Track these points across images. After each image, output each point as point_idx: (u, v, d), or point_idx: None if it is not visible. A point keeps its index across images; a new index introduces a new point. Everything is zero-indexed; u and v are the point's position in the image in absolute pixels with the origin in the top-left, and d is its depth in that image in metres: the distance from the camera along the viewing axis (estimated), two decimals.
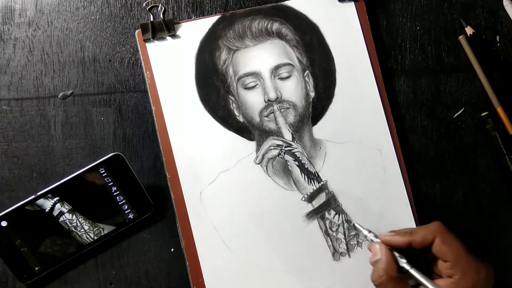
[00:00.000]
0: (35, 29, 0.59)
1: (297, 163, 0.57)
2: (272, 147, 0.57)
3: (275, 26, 0.59)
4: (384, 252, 0.48)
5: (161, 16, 0.59)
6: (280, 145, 0.58)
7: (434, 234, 0.47)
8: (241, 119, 0.58)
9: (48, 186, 0.54)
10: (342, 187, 0.57)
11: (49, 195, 0.54)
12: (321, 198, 0.57)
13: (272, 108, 0.58)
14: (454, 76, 0.61)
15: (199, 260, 0.55)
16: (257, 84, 0.58)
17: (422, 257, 0.49)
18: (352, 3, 0.60)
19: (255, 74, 0.58)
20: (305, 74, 0.59)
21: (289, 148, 0.58)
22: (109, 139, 0.58)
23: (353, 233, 0.57)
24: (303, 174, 0.57)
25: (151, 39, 0.57)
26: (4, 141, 0.58)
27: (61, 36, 0.59)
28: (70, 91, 0.58)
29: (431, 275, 0.49)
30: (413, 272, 0.47)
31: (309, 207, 0.57)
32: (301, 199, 0.57)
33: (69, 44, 0.59)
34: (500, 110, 0.60)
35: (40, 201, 0.54)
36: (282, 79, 0.58)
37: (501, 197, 0.60)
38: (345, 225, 0.57)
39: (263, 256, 0.56)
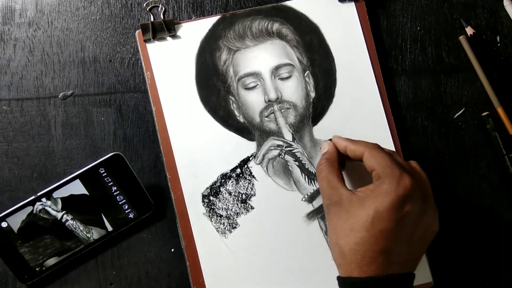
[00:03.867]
0: (35, 29, 0.59)
1: (297, 163, 0.57)
2: (272, 148, 0.57)
3: (276, 26, 0.59)
4: (331, 146, 0.51)
5: (162, 16, 0.59)
6: (281, 145, 0.58)
7: (363, 149, 0.48)
8: (241, 119, 0.58)
9: (48, 187, 0.54)
10: None
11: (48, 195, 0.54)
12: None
13: (272, 108, 0.58)
14: (454, 76, 0.61)
15: (199, 260, 0.56)
16: (258, 84, 0.58)
17: None
18: (353, 4, 0.60)
19: (256, 75, 0.58)
20: (306, 74, 0.59)
21: (289, 149, 0.58)
22: (109, 139, 0.58)
23: None
24: (303, 175, 0.57)
25: (152, 39, 0.57)
26: (5, 142, 0.58)
27: (62, 37, 0.59)
28: (70, 91, 0.58)
29: None
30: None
31: (309, 208, 0.57)
32: (302, 200, 0.57)
33: (69, 45, 0.59)
34: (500, 111, 0.60)
35: (41, 202, 0.54)
36: (282, 79, 0.58)
37: (501, 198, 0.60)
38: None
39: (263, 256, 0.56)
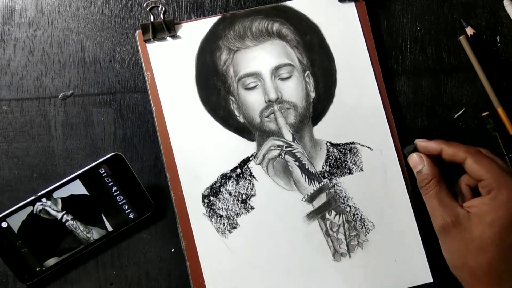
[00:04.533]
0: (35, 30, 0.59)
1: (297, 163, 0.57)
2: (272, 148, 0.57)
3: (276, 26, 0.59)
4: (425, 158, 0.49)
5: (162, 16, 0.59)
6: (281, 145, 0.58)
7: (465, 154, 0.46)
8: (241, 119, 0.58)
9: (48, 187, 0.54)
10: (342, 187, 0.57)
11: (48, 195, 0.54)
12: (322, 199, 0.57)
13: (272, 108, 0.58)
14: (454, 76, 0.61)
15: (199, 261, 0.56)
16: (258, 84, 0.58)
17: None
18: (353, 4, 0.60)
19: (256, 75, 0.58)
20: (306, 74, 0.59)
21: (289, 149, 0.58)
22: (109, 140, 0.58)
23: (354, 233, 0.57)
24: (303, 175, 0.57)
25: (152, 39, 0.57)
26: (5, 142, 0.58)
27: (62, 37, 0.59)
28: (70, 92, 0.58)
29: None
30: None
31: (309, 208, 0.57)
32: (302, 200, 0.57)
33: (69, 45, 0.59)
34: (500, 111, 0.60)
35: (41, 202, 0.54)
36: (282, 79, 0.58)
37: None
38: (346, 225, 0.57)
39: (263, 256, 0.56)
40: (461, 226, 0.43)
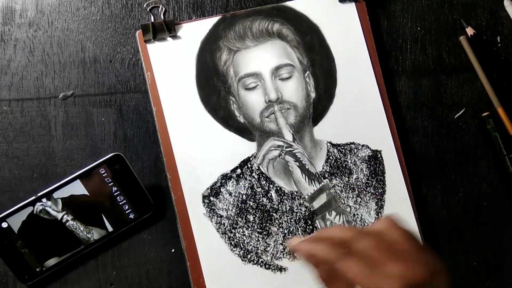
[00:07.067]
0: (35, 30, 0.59)
1: (297, 163, 0.57)
2: (272, 148, 0.57)
3: (276, 26, 0.59)
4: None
5: (162, 16, 0.59)
6: (281, 145, 0.58)
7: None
8: (241, 119, 0.58)
9: (48, 187, 0.54)
10: (343, 187, 0.57)
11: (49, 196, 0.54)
12: (322, 199, 0.57)
13: (272, 108, 0.58)
14: (454, 76, 0.61)
15: (199, 261, 0.56)
16: (258, 84, 0.58)
17: None
18: (353, 4, 0.60)
19: (256, 75, 0.58)
20: (306, 74, 0.59)
21: (289, 149, 0.58)
22: (109, 140, 0.58)
23: None
24: (303, 175, 0.57)
25: (152, 39, 0.57)
26: (5, 142, 0.58)
27: (62, 37, 0.59)
28: (70, 92, 0.58)
29: None
30: None
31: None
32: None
33: (69, 45, 0.59)
34: (500, 111, 0.60)
35: (41, 203, 0.54)
36: (282, 79, 0.58)
37: (501, 198, 0.60)
38: (346, 225, 0.57)
39: (263, 256, 0.56)
40: None
